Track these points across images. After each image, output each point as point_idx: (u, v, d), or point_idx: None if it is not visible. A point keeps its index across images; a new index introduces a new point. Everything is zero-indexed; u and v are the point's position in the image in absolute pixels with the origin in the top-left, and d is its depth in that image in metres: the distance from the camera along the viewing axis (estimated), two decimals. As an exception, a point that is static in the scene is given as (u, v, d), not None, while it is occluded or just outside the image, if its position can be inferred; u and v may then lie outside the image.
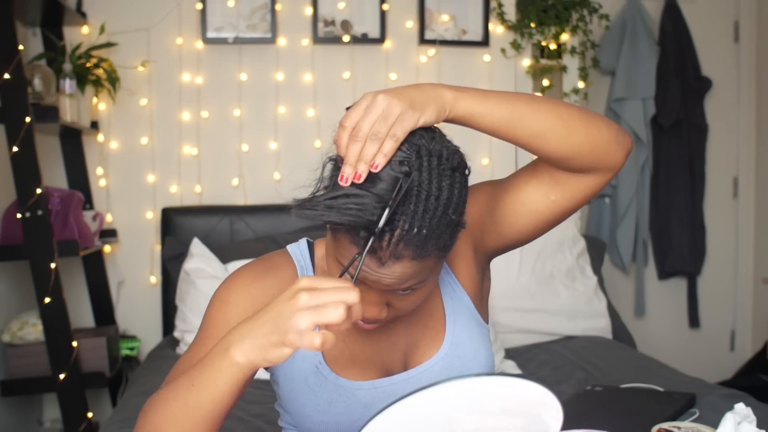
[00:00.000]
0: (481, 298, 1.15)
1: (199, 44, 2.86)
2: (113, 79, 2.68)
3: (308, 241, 1.15)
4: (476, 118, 0.94)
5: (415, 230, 0.85)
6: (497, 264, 1.25)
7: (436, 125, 0.96)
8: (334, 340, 0.79)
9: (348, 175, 0.86)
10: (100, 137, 2.82)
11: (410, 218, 0.85)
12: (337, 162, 0.91)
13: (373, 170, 0.86)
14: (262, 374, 1.30)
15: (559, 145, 0.97)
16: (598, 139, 0.98)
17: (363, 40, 2.92)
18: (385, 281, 0.90)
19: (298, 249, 1.13)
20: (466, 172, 0.94)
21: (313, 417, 1.05)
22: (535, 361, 2.37)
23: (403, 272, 0.89)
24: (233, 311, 1.03)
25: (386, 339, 1.09)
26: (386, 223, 0.85)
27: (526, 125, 0.95)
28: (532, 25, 3.01)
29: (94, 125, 2.79)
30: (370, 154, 0.86)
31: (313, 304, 0.78)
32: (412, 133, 0.90)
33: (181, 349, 2.41)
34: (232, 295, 1.05)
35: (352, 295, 0.79)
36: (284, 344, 0.79)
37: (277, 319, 0.80)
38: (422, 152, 0.88)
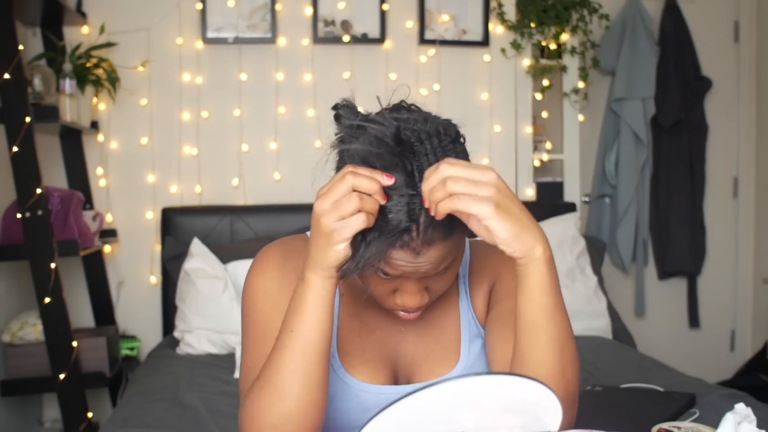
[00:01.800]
0: None
1: (199, 44, 2.86)
2: (113, 79, 2.68)
3: None
4: (526, 290, 0.90)
5: None
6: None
7: (414, 105, 0.97)
8: (375, 206, 0.85)
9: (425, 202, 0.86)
10: (100, 137, 2.82)
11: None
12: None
13: (430, 213, 0.86)
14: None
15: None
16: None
17: (363, 40, 2.92)
18: (422, 269, 0.91)
19: None
20: (461, 139, 0.95)
21: None
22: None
23: (438, 255, 0.91)
24: (279, 298, 1.04)
25: (397, 343, 1.09)
26: (410, 215, 0.87)
27: (537, 347, 0.91)
28: (532, 25, 3.02)
29: (94, 125, 2.79)
30: (437, 199, 0.84)
31: (329, 206, 0.85)
32: (406, 120, 0.90)
33: (182, 348, 2.41)
34: (271, 285, 1.05)
35: (350, 180, 0.84)
36: (334, 244, 0.86)
37: (315, 231, 0.88)
38: (422, 136, 0.89)
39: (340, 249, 0.87)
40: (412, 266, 0.90)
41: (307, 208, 2.55)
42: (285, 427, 0.92)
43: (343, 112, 0.93)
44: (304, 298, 0.92)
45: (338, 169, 0.94)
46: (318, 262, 0.89)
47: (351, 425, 1.05)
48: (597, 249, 2.94)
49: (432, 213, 0.86)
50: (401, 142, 0.87)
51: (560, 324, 0.92)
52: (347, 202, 0.84)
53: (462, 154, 0.92)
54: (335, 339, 1.06)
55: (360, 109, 0.94)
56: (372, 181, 0.85)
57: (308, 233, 1.14)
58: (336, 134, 0.94)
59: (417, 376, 1.08)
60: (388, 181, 0.86)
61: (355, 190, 0.84)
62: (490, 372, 1.04)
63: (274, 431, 0.92)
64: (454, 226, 0.89)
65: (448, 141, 0.90)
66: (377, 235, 0.87)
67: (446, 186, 0.83)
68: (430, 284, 0.97)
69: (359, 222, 0.84)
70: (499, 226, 0.85)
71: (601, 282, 2.80)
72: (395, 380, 1.08)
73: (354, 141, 0.89)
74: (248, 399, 0.95)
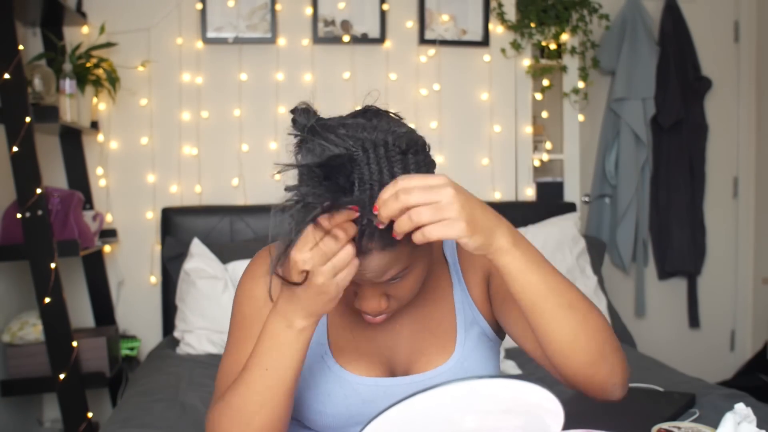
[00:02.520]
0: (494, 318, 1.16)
1: (199, 44, 2.86)
2: (113, 79, 2.68)
3: None
4: (509, 278, 0.90)
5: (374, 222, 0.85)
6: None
7: (387, 111, 0.96)
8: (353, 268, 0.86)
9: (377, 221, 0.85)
10: (100, 137, 2.82)
11: (366, 213, 0.85)
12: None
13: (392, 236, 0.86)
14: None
15: (555, 355, 0.93)
16: (590, 380, 0.94)
17: (363, 40, 2.92)
18: (364, 275, 0.91)
19: None
20: (426, 148, 0.94)
21: (312, 406, 1.06)
22: (535, 361, 2.37)
23: (377, 264, 0.90)
24: (263, 304, 1.05)
25: (391, 338, 1.10)
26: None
27: (541, 322, 0.92)
28: (532, 25, 3.02)
29: (94, 125, 2.79)
30: (392, 215, 0.84)
31: (323, 264, 0.85)
32: (355, 126, 0.89)
33: (182, 348, 2.41)
34: (259, 290, 1.07)
35: (342, 237, 0.83)
36: (334, 297, 0.88)
37: (307, 287, 0.86)
38: (367, 145, 0.87)
39: (334, 302, 0.89)
40: (360, 271, 0.90)
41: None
42: None
43: (298, 116, 0.93)
44: (289, 343, 0.92)
45: (299, 173, 0.92)
46: (312, 311, 0.90)
47: (353, 420, 1.06)
48: (597, 249, 2.94)
49: (394, 234, 0.85)
50: (332, 168, 0.86)
51: (557, 290, 0.91)
52: (342, 261, 0.85)
53: (415, 166, 0.89)
54: (326, 337, 1.07)
55: (318, 111, 0.94)
56: (348, 228, 0.84)
57: None
58: (293, 135, 0.94)
59: (415, 368, 1.09)
60: (355, 213, 0.85)
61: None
62: (490, 375, 1.04)
63: None
64: (391, 237, 0.87)
65: (396, 152, 0.88)
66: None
67: (398, 200, 0.82)
68: (390, 291, 0.97)
69: (353, 270, 0.86)
70: (469, 241, 0.84)
71: (601, 282, 2.80)
72: (392, 373, 1.09)
73: (304, 150, 0.91)
74: (213, 414, 0.97)
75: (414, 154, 0.90)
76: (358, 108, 0.99)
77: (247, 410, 0.94)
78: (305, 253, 0.83)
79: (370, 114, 0.95)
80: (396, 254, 0.91)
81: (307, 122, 0.91)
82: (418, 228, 0.83)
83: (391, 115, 0.96)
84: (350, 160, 0.86)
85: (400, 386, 1.07)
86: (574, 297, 0.92)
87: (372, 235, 0.87)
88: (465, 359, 1.09)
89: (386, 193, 0.83)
